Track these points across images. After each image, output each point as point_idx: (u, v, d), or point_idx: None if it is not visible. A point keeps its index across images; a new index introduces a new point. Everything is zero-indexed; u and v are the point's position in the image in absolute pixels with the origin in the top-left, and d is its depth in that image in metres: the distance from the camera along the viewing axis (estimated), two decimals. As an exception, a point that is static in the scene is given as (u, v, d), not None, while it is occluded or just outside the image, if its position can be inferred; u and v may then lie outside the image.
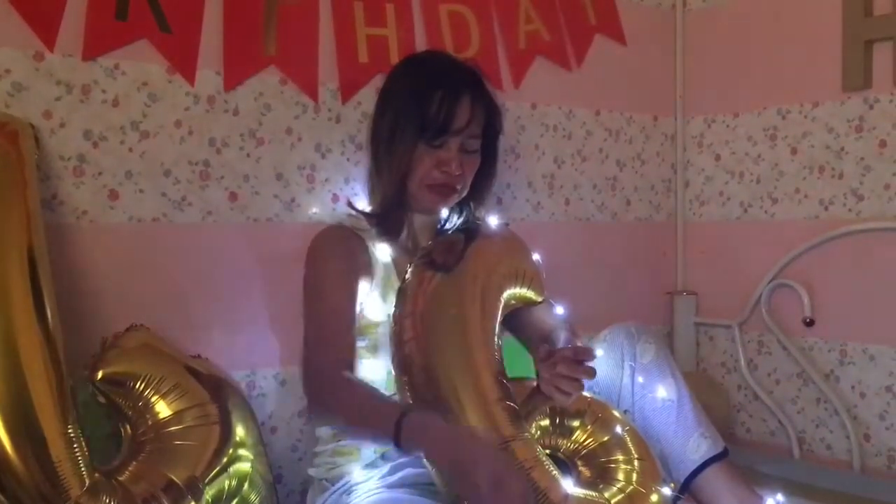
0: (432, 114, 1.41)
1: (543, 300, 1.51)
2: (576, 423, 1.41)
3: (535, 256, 1.52)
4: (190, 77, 1.54)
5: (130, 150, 1.50)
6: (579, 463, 1.40)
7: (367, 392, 1.33)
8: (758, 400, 2.14)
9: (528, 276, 1.44)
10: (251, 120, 1.62)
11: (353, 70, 1.70)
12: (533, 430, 1.40)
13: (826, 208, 2.01)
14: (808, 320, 2.01)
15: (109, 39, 1.45)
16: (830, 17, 1.95)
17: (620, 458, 1.38)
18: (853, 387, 1.97)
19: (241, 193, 1.61)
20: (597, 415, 1.41)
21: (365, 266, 1.45)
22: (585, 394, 1.42)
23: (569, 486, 1.27)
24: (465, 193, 1.51)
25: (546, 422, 1.41)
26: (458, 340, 1.30)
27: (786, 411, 2.09)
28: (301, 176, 1.68)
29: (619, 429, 1.41)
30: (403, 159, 1.43)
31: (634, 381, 1.52)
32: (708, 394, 2.07)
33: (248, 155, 1.62)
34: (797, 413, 2.08)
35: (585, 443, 1.40)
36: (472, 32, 1.86)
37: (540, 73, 2.00)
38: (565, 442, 1.41)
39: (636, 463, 1.37)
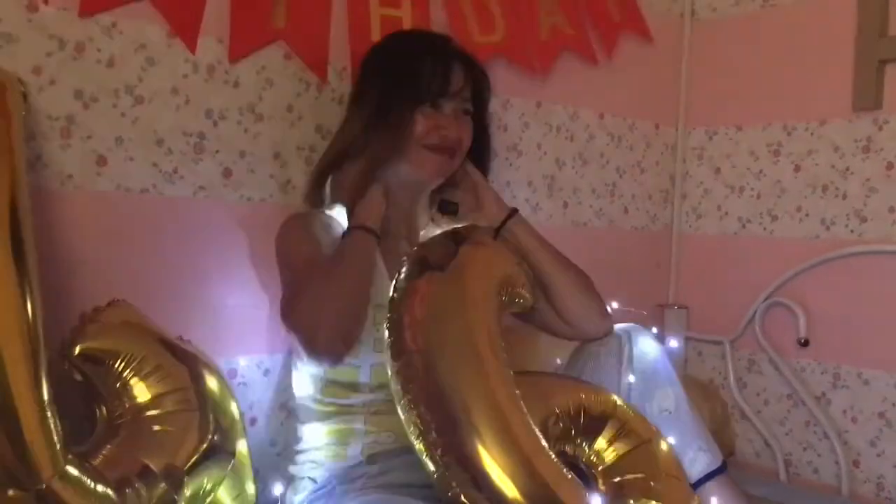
0: (427, 77, 1.39)
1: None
2: (600, 428, 1.32)
3: None
4: (191, 43, 1.46)
5: (123, 114, 1.41)
6: (599, 477, 1.30)
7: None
8: (745, 419, 2.11)
9: (520, 280, 1.39)
10: (251, 94, 1.54)
11: (364, 50, 1.61)
12: (559, 425, 1.31)
13: (827, 228, 1.98)
14: (802, 341, 1.98)
15: (109, -4, 1.36)
16: (844, 34, 1.93)
17: (641, 475, 1.29)
18: (845, 411, 1.94)
19: (237, 170, 1.53)
20: (623, 422, 1.33)
21: (335, 243, 1.38)
22: (615, 398, 1.36)
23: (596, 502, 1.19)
24: (460, 161, 1.47)
25: (568, 424, 1.32)
26: (469, 363, 1.20)
27: (773, 432, 2.05)
28: (299, 157, 1.60)
29: (645, 440, 1.32)
30: (400, 126, 1.38)
31: (630, 390, 1.47)
32: (708, 406, 2.02)
33: (245, 130, 1.54)
34: (785, 434, 2.04)
35: (606, 454, 1.31)
36: (496, 19, 1.80)
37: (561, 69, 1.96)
38: (586, 450, 1.32)
39: (659, 482, 1.28)
